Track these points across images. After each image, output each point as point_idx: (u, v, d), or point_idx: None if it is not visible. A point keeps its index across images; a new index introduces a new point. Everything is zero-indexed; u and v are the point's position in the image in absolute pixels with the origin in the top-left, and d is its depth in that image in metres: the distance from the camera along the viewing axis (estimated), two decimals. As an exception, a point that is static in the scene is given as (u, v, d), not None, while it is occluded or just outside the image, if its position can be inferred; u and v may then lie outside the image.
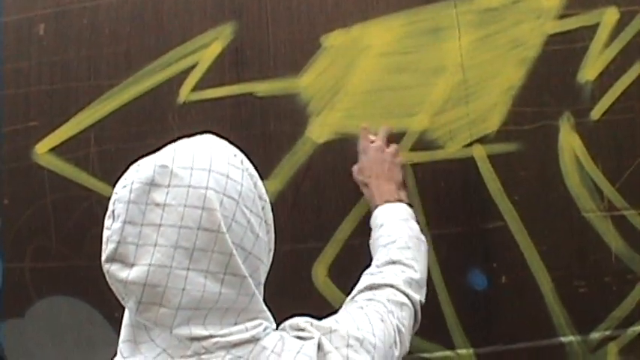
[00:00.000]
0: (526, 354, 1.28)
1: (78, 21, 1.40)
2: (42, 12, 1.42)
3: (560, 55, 1.30)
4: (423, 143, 1.29)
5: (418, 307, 0.94)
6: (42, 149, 1.37)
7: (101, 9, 1.40)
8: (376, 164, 1.18)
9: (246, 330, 0.66)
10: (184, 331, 0.64)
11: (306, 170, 1.30)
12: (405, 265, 0.97)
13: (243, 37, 1.33)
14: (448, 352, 1.28)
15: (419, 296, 0.95)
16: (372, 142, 1.22)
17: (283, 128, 1.30)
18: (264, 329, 0.68)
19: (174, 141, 0.72)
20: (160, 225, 0.64)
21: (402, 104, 1.29)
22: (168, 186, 0.64)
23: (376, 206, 1.14)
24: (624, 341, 1.30)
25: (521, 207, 1.28)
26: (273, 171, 1.30)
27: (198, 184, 0.64)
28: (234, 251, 0.65)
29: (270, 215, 0.74)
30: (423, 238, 1.09)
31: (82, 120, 1.36)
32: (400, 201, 1.15)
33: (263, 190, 0.73)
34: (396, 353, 0.82)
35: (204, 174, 0.65)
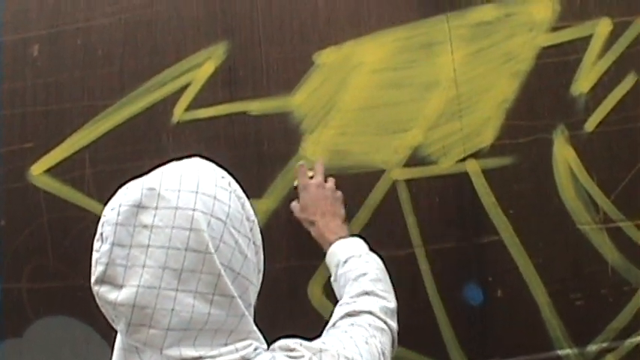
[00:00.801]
0: (523, 368, 1.30)
1: (72, 42, 1.42)
2: (36, 33, 1.44)
3: (553, 67, 1.32)
4: (417, 159, 1.31)
5: (395, 335, 0.96)
6: (37, 170, 1.39)
7: (94, 30, 1.42)
8: (319, 201, 1.20)
9: (237, 351, 0.67)
10: (174, 352, 0.65)
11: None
12: (378, 295, 0.99)
13: (236, 56, 1.35)
14: (445, 367, 1.30)
15: (393, 324, 0.97)
16: (311, 177, 1.24)
17: (277, 146, 1.32)
18: (255, 349, 0.70)
19: (164, 164, 0.74)
20: (148, 246, 0.65)
21: (396, 120, 1.31)
22: (156, 208, 0.66)
23: (330, 244, 1.15)
24: (621, 353, 1.32)
25: (516, 221, 1.30)
26: (267, 189, 1.32)
27: (186, 205, 0.66)
28: (223, 272, 0.66)
29: (259, 236, 0.75)
30: (384, 267, 1.10)
31: (77, 141, 1.38)
32: (353, 235, 1.17)
33: (251, 212, 0.74)
34: None
35: (191, 196, 0.67)
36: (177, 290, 0.65)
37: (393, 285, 1.08)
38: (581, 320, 1.30)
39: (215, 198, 0.68)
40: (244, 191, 0.76)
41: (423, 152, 1.31)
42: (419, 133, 1.31)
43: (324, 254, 1.19)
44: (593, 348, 1.31)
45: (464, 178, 1.30)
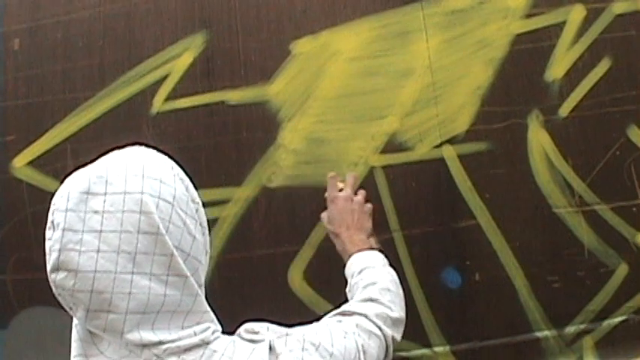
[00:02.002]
0: (502, 350, 1.34)
1: (52, 35, 1.47)
2: (16, 27, 1.49)
3: (527, 54, 1.37)
4: (393, 145, 1.35)
5: (390, 342, 0.97)
6: (20, 163, 1.43)
7: (74, 23, 1.46)
8: (346, 214, 1.20)
9: (195, 334, 0.70)
10: (135, 336, 0.67)
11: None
12: (382, 304, 1.01)
13: (214, 46, 1.40)
14: (425, 350, 1.34)
15: (393, 333, 0.98)
16: (341, 190, 1.24)
17: (255, 135, 1.37)
18: (213, 332, 0.72)
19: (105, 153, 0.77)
20: (100, 231, 0.66)
21: (372, 107, 1.35)
22: (105, 194, 0.67)
23: (350, 255, 1.16)
24: (600, 334, 1.36)
25: (492, 205, 1.34)
26: (246, 177, 1.36)
27: (134, 189, 0.68)
28: (175, 252, 0.69)
29: (204, 218, 0.77)
30: (398, 281, 1.11)
31: (59, 133, 1.43)
32: (372, 249, 1.18)
33: (195, 194, 0.77)
34: None
35: (138, 180, 0.69)
36: (132, 273, 0.67)
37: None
38: (558, 302, 1.34)
39: (161, 181, 0.70)
40: (190, 176, 0.78)
41: (400, 139, 1.35)
42: (395, 120, 1.35)
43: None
44: (571, 330, 1.35)
45: (440, 163, 1.34)
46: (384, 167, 1.34)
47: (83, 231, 0.66)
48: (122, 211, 0.67)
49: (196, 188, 0.78)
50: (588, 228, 1.35)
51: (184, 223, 0.71)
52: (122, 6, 1.45)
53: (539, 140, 1.35)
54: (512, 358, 1.34)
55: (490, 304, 1.35)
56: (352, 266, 1.14)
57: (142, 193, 0.68)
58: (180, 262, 0.69)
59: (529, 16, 1.37)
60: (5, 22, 1.49)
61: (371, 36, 1.37)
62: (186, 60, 1.39)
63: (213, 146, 1.37)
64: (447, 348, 1.34)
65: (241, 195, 1.36)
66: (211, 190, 1.37)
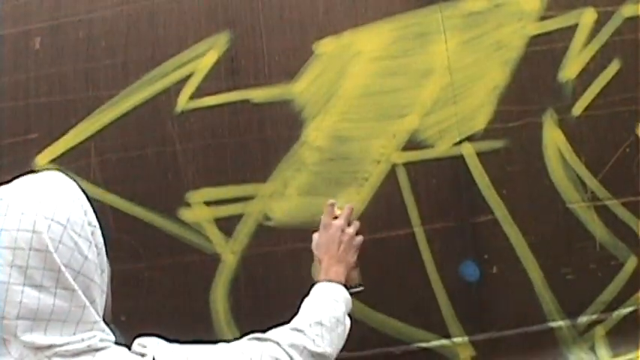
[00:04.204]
0: (518, 339, 1.48)
1: (74, 34, 1.57)
2: (37, 25, 1.59)
3: (541, 55, 1.51)
4: (414, 143, 1.48)
5: None
6: (43, 160, 1.54)
7: (96, 22, 1.57)
8: (333, 244, 1.31)
9: (82, 340, 0.84)
10: (27, 338, 0.81)
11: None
12: (306, 335, 1.10)
13: (238, 45, 1.52)
14: (444, 341, 1.48)
15: None
16: (336, 217, 1.34)
17: (280, 133, 1.49)
18: (100, 340, 0.86)
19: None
20: None
21: (393, 106, 1.48)
22: (5, 215, 0.83)
23: (315, 284, 1.27)
24: (610, 324, 1.51)
25: (509, 201, 1.48)
26: (271, 174, 1.49)
27: (29, 211, 0.83)
28: (62, 268, 0.83)
29: (101, 240, 0.91)
30: (346, 322, 1.21)
31: (82, 131, 1.53)
32: (350, 286, 1.29)
33: (93, 218, 0.90)
34: None
35: (35, 203, 0.84)
36: (23, 285, 0.81)
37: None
38: (572, 294, 1.50)
39: (57, 205, 0.84)
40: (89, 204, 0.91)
41: (420, 136, 1.49)
42: (416, 119, 1.48)
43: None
44: (583, 320, 1.50)
45: (459, 160, 1.48)
46: (405, 164, 1.48)
47: None
48: (17, 229, 0.82)
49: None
50: (600, 222, 1.50)
51: (76, 244, 0.84)
52: (145, 5, 1.56)
53: (553, 138, 1.50)
54: (528, 348, 1.49)
55: (506, 296, 1.49)
56: (309, 295, 1.24)
57: (36, 214, 0.83)
58: (69, 277, 0.83)
59: (543, 18, 1.51)
60: (26, 21, 1.59)
61: (391, 37, 1.50)
62: (210, 59, 1.51)
63: (238, 144, 1.49)
64: (466, 339, 1.48)
65: (266, 191, 1.48)
66: (236, 187, 1.49)
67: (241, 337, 1.07)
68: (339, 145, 1.48)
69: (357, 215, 1.45)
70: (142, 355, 0.89)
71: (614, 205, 1.50)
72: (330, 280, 1.27)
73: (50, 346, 0.82)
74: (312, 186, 1.46)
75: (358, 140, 1.48)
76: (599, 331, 1.51)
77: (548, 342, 1.50)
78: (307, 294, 1.24)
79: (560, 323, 1.50)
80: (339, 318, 1.18)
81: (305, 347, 1.08)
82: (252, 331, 1.07)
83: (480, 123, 1.49)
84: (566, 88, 1.51)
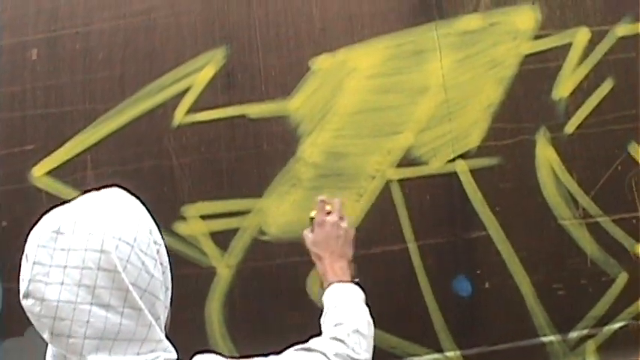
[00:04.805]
0: (510, 354, 1.53)
1: (71, 46, 1.61)
2: (34, 37, 1.62)
3: (535, 73, 1.55)
4: (409, 159, 1.53)
5: None
6: (39, 172, 1.57)
7: (94, 34, 1.61)
8: (331, 240, 1.33)
9: None
10: (94, 358, 0.81)
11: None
12: (346, 345, 1.14)
13: (234, 61, 1.55)
14: (437, 355, 1.52)
15: None
16: (328, 213, 1.36)
17: (276, 148, 1.53)
18: None
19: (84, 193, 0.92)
20: (65, 266, 0.81)
21: (388, 123, 1.53)
22: (73, 233, 0.82)
23: (329, 284, 1.30)
24: (601, 339, 1.56)
25: (502, 217, 1.53)
26: (267, 189, 1.52)
27: (97, 231, 0.83)
28: (131, 288, 0.83)
29: (166, 258, 0.92)
30: (371, 321, 1.24)
31: (79, 143, 1.57)
32: (352, 280, 1.32)
33: (159, 236, 0.92)
34: None
35: (103, 222, 0.84)
36: (91, 304, 0.81)
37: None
38: (563, 309, 1.54)
39: (124, 224, 0.85)
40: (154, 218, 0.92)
41: (415, 153, 1.53)
42: (410, 136, 1.53)
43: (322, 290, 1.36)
44: (574, 335, 1.55)
45: (453, 177, 1.53)
46: (400, 180, 1.52)
47: (50, 265, 0.81)
48: (85, 249, 0.82)
49: (146, 206, 0.92)
50: (591, 239, 1.54)
51: (143, 263, 0.85)
52: (142, 19, 1.59)
53: (546, 156, 1.54)
54: (520, 362, 1.54)
55: (499, 311, 1.53)
56: (330, 297, 1.28)
57: (104, 234, 0.83)
58: (136, 296, 0.84)
59: (537, 37, 1.56)
60: (23, 32, 1.63)
61: (387, 54, 1.54)
62: (207, 74, 1.55)
63: (235, 158, 1.53)
64: (458, 353, 1.53)
65: (261, 206, 1.52)
66: (232, 201, 1.53)
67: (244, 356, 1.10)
68: (334, 161, 1.52)
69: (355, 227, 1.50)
70: None
71: (606, 222, 1.55)
72: (341, 280, 1.30)
73: None
74: (307, 201, 1.50)
75: (353, 156, 1.52)
76: (590, 346, 1.55)
77: (540, 356, 1.54)
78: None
79: (552, 338, 1.54)
80: (369, 321, 1.23)
81: (348, 356, 1.12)
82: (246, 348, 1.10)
83: (474, 140, 1.53)
84: (559, 106, 1.55)
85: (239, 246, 1.52)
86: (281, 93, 1.54)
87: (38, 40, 1.62)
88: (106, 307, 0.82)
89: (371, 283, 1.42)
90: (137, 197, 0.93)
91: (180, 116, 1.55)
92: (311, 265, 1.52)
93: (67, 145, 1.57)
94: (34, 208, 1.57)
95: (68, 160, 1.57)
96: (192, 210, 1.53)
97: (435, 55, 1.53)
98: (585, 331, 1.55)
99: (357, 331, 1.19)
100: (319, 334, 1.15)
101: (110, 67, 1.59)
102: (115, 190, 0.93)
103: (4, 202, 1.59)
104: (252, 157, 1.53)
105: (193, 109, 1.55)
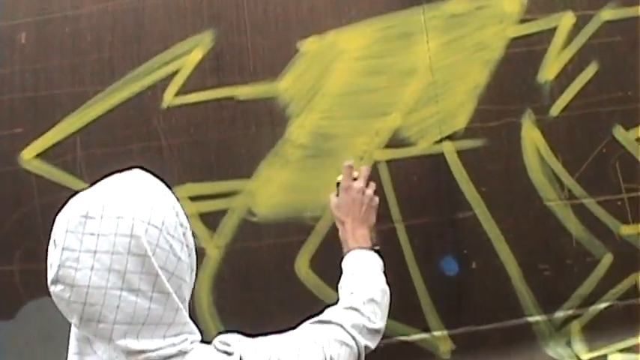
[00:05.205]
0: (496, 333, 1.56)
1: (60, 30, 1.62)
2: (23, 20, 1.64)
3: (521, 56, 1.59)
4: (396, 141, 1.56)
5: (362, 351, 1.12)
6: (28, 155, 1.59)
7: (82, 18, 1.62)
8: (355, 205, 1.36)
9: (174, 345, 0.85)
10: (122, 343, 0.83)
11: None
12: (362, 314, 1.16)
13: (223, 43, 1.58)
14: (424, 335, 1.55)
15: (367, 342, 1.13)
16: (355, 179, 1.39)
17: (264, 129, 1.56)
18: (191, 343, 0.88)
19: (107, 176, 0.92)
20: (95, 251, 0.82)
21: (376, 105, 1.55)
22: (101, 218, 0.82)
23: (349, 250, 1.33)
24: (586, 319, 1.59)
25: (488, 198, 1.56)
26: (255, 170, 1.55)
27: (126, 215, 0.84)
28: (160, 272, 0.84)
29: (192, 240, 0.93)
30: (387, 289, 1.28)
31: (68, 126, 1.58)
32: (372, 248, 1.34)
33: (184, 219, 0.92)
34: None
35: (131, 206, 0.85)
36: (121, 289, 0.81)
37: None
38: (548, 289, 1.57)
39: (152, 208, 0.86)
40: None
41: (402, 134, 1.56)
42: (398, 117, 1.55)
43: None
44: (560, 314, 1.58)
45: (440, 158, 1.56)
46: (388, 161, 1.55)
47: (80, 250, 0.82)
48: (115, 234, 0.82)
49: (170, 187, 0.93)
50: (576, 220, 1.58)
51: (171, 247, 0.86)
52: (131, 2, 1.61)
53: (531, 138, 1.57)
54: (506, 341, 1.56)
55: (485, 291, 1.56)
56: (349, 263, 1.31)
57: (133, 218, 0.83)
58: (165, 280, 0.85)
59: (523, 21, 1.59)
60: (12, 16, 1.64)
61: (375, 37, 1.57)
62: (196, 56, 1.57)
63: (223, 140, 1.55)
64: (445, 332, 1.56)
65: (250, 187, 1.54)
66: (221, 183, 1.55)
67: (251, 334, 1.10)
68: (322, 142, 1.54)
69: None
70: (228, 353, 0.90)
71: (591, 203, 1.58)
72: (361, 247, 1.32)
73: (142, 351, 0.83)
74: (295, 182, 1.52)
75: (341, 137, 1.55)
76: (576, 325, 1.59)
77: (526, 336, 1.57)
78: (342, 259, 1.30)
79: (538, 318, 1.57)
80: (384, 290, 1.26)
81: (364, 326, 1.14)
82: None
83: (460, 122, 1.56)
84: (544, 89, 1.59)
85: (228, 227, 1.55)
86: (269, 75, 1.56)
87: (27, 23, 1.64)
88: (136, 291, 0.82)
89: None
90: (161, 179, 0.93)
91: (169, 98, 1.57)
92: (299, 245, 1.56)
93: (57, 127, 1.59)
94: (23, 190, 1.60)
95: (57, 143, 1.59)
96: (182, 191, 1.54)
97: (422, 37, 1.56)
98: (570, 311, 1.59)
99: (373, 299, 1.21)
100: (308, 315, 1.14)
101: (99, 49, 1.60)
102: (139, 172, 0.93)
103: (-8, 185, 1.61)
104: (241, 138, 1.56)
105: (182, 91, 1.57)
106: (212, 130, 1.56)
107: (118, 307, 0.81)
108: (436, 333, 1.56)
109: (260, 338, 0.98)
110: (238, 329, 1.00)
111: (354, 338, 1.10)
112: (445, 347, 1.56)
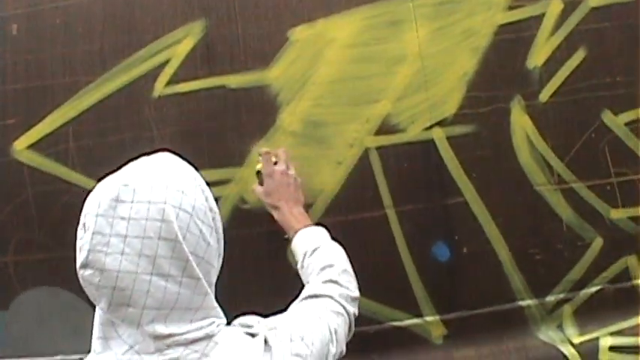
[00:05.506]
0: (489, 318, 1.58)
1: (51, 20, 1.64)
2: (14, 12, 1.65)
3: (510, 43, 1.61)
4: (386, 127, 1.57)
5: (352, 319, 1.19)
6: (21, 145, 1.60)
7: (73, 8, 1.64)
8: (283, 188, 1.42)
9: (201, 328, 0.87)
10: (150, 329, 0.84)
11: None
12: (342, 285, 1.21)
13: (214, 32, 1.59)
14: (417, 320, 1.57)
15: (353, 309, 1.20)
16: (275, 163, 1.44)
17: (255, 118, 1.57)
18: (217, 326, 0.90)
19: (135, 158, 0.94)
20: (125, 236, 0.83)
21: (366, 92, 1.57)
22: (132, 202, 0.83)
23: (295, 231, 1.37)
24: (578, 303, 1.61)
25: (478, 183, 1.58)
26: (246, 158, 1.56)
27: (158, 199, 0.84)
28: (190, 257, 0.85)
29: (220, 225, 0.95)
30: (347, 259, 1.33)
31: (60, 116, 1.60)
32: (316, 224, 1.40)
33: (214, 204, 0.94)
34: (333, 350, 1.06)
35: (162, 191, 0.85)
36: (151, 274, 0.82)
37: (354, 268, 1.31)
38: (540, 273, 1.59)
39: (183, 192, 0.87)
40: (207, 183, 0.97)
41: (392, 121, 1.58)
42: (388, 104, 1.57)
43: (287, 238, 1.43)
44: (551, 299, 1.60)
45: (430, 144, 1.57)
46: (378, 148, 1.57)
47: (110, 234, 0.83)
48: (146, 218, 0.83)
49: (197, 169, 0.95)
50: (566, 204, 1.60)
51: (200, 231, 0.87)
52: (121, -8, 1.63)
53: (521, 123, 1.60)
54: (498, 326, 1.58)
55: (477, 276, 1.58)
56: (302, 244, 1.34)
57: (164, 203, 0.84)
58: (194, 266, 0.86)
59: (511, 8, 1.61)
60: (3, 7, 1.66)
61: (364, 25, 1.58)
62: (187, 46, 1.59)
63: (214, 129, 1.57)
64: (437, 317, 1.58)
65: (242, 175, 1.56)
66: (213, 171, 1.56)
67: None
68: (313, 129, 1.56)
69: (331, 198, 1.55)
70: (252, 335, 0.92)
71: (580, 187, 1.60)
72: (306, 225, 1.37)
73: (170, 335, 0.84)
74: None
75: (332, 125, 1.57)
76: (567, 309, 1.61)
77: (518, 320, 1.59)
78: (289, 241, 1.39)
79: (529, 302, 1.59)
80: (346, 259, 1.31)
81: (348, 295, 1.19)
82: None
83: (450, 108, 1.58)
84: (533, 75, 1.61)
85: (220, 214, 1.56)
86: (260, 64, 1.58)
87: (18, 15, 1.65)
88: (166, 276, 0.83)
89: (350, 249, 1.47)
90: (190, 163, 0.95)
91: (160, 88, 1.58)
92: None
93: (49, 118, 1.60)
94: (15, 182, 1.61)
95: (50, 134, 1.60)
96: (174, 180, 1.56)
97: (411, 25, 1.58)
98: (562, 295, 1.61)
99: (345, 270, 1.26)
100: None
101: (90, 40, 1.62)
102: (168, 155, 0.95)
103: (-16, 177, 1.63)
104: (232, 126, 1.57)
105: (173, 80, 1.58)
106: (203, 120, 1.58)
107: (147, 291, 0.82)
108: (428, 318, 1.58)
109: (275, 318, 1.01)
110: (230, 316, 1.00)
111: (344, 307, 1.14)
112: (437, 332, 1.58)
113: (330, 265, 1.25)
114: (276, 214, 1.43)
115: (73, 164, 1.59)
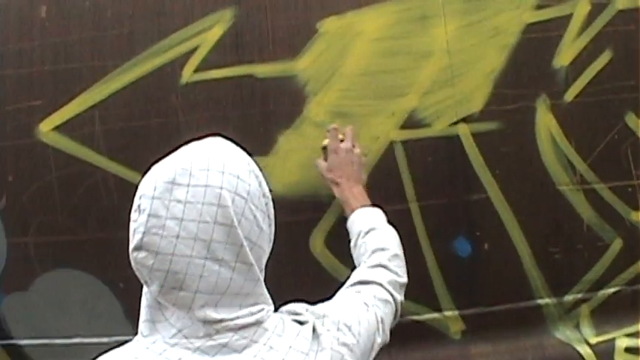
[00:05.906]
0: (506, 315, 1.60)
1: (80, 3, 1.65)
2: (43, -6, 1.67)
3: (537, 42, 1.63)
4: (412, 122, 1.59)
5: (399, 306, 1.20)
6: (46, 127, 1.62)
7: (103, -8, 1.66)
8: (346, 165, 1.43)
9: (251, 314, 0.87)
10: (200, 313, 0.84)
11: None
12: (391, 271, 1.22)
13: (243, 21, 1.61)
14: (436, 314, 1.59)
15: (400, 297, 1.21)
16: (342, 141, 1.46)
17: (282, 108, 1.59)
18: (267, 312, 0.90)
19: (186, 143, 0.93)
20: (181, 219, 0.83)
21: (393, 85, 1.59)
22: (189, 185, 0.83)
23: (352, 210, 1.39)
24: (595, 303, 1.63)
25: (501, 180, 1.60)
26: (272, 147, 1.58)
27: (214, 184, 0.85)
28: (244, 242, 0.86)
29: (272, 211, 0.96)
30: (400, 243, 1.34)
31: (87, 99, 1.61)
32: (374, 205, 1.41)
33: (267, 189, 0.95)
34: (378, 340, 1.07)
35: (219, 175, 0.85)
36: (206, 259, 0.82)
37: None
38: (559, 272, 1.62)
39: (238, 177, 0.87)
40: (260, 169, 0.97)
41: (418, 116, 1.59)
42: (414, 98, 1.59)
43: (344, 218, 1.44)
44: (569, 298, 1.62)
45: (455, 140, 1.59)
46: (403, 142, 1.59)
47: (166, 217, 0.83)
48: (202, 202, 0.83)
49: (251, 155, 0.95)
50: (587, 205, 1.62)
51: (254, 217, 0.88)
52: (152, -22, 1.65)
53: (545, 122, 1.62)
54: (516, 323, 1.60)
55: (497, 272, 1.61)
56: (358, 223, 1.36)
57: (221, 187, 0.84)
58: (248, 251, 0.86)
59: (539, 7, 1.63)
60: (32, -11, 1.67)
61: (393, 18, 1.60)
62: (216, 33, 1.60)
63: (241, 117, 1.59)
64: (456, 312, 1.60)
65: (267, 163, 1.57)
66: (238, 159, 1.58)
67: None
68: (339, 120, 1.57)
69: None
70: (301, 322, 0.93)
71: (602, 188, 1.62)
72: (364, 205, 1.39)
73: (221, 320, 0.84)
74: (312, 160, 1.55)
75: (358, 117, 1.58)
76: (585, 309, 1.63)
77: (536, 318, 1.61)
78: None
79: (547, 301, 1.61)
80: (399, 244, 1.32)
81: (396, 281, 1.20)
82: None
83: (476, 105, 1.60)
84: (559, 74, 1.63)
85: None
86: (288, 54, 1.60)
87: (47, -3, 1.68)
88: (220, 261, 0.83)
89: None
90: (243, 148, 0.96)
91: (187, 74, 1.60)
92: (315, 223, 1.60)
93: (75, 101, 1.62)
94: (40, 163, 1.63)
95: (76, 116, 1.62)
96: (198, 167, 1.58)
97: (440, 20, 1.60)
98: (580, 295, 1.63)
99: (396, 255, 1.27)
100: (322, 293, 1.17)
101: (119, 24, 1.63)
102: (221, 140, 0.95)
103: (10, 157, 1.64)
104: (259, 115, 1.59)
105: (201, 67, 1.60)
106: (230, 107, 1.59)
107: (200, 276, 0.82)
108: (447, 313, 1.60)
109: (323, 305, 1.02)
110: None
111: (392, 295, 1.16)
112: (456, 327, 1.60)
113: (382, 249, 1.26)
114: (335, 191, 1.45)
115: (99, 148, 1.61)
